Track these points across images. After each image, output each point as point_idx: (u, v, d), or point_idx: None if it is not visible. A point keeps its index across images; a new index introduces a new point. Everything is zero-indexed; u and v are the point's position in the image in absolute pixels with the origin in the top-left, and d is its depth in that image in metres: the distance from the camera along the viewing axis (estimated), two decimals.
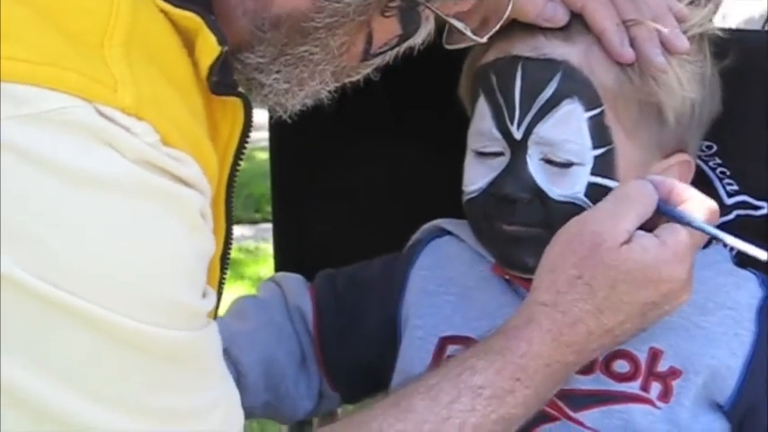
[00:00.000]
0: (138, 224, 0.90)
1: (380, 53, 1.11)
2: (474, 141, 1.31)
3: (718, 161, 1.37)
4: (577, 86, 1.25)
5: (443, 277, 1.38)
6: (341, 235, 1.56)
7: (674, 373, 1.28)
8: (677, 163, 1.31)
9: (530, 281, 1.25)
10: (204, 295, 0.99)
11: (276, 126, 1.60)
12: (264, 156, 1.67)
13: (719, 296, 1.31)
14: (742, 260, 1.34)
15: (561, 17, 1.27)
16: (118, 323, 0.89)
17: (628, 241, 1.18)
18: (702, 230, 1.19)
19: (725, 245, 1.23)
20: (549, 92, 1.26)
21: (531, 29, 1.27)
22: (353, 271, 1.45)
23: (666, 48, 1.26)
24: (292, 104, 1.11)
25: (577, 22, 1.27)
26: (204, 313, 0.98)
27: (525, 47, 1.27)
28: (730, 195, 1.40)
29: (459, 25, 1.13)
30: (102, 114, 0.89)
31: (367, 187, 1.55)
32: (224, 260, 1.11)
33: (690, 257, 1.19)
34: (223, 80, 1.01)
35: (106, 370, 0.91)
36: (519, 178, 1.27)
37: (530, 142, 1.26)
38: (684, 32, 1.27)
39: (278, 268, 1.59)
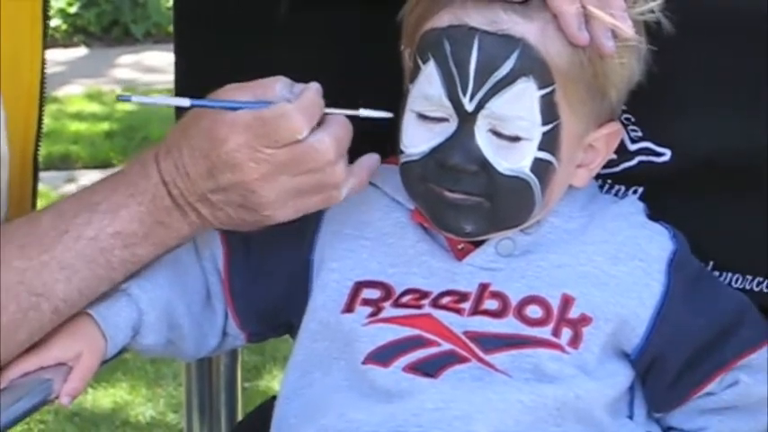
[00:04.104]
0: None
1: None
2: (418, 104, 1.30)
3: (624, 107, 1.39)
4: (533, 65, 1.26)
5: (359, 221, 1.38)
6: None
7: (584, 319, 1.31)
8: (609, 132, 1.35)
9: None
10: None
11: None
12: None
13: (631, 247, 1.34)
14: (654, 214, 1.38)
15: None
16: None
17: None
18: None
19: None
20: (505, 69, 1.25)
21: None
22: None
23: (614, 33, 1.27)
24: None
25: None
26: None
27: (482, 19, 1.26)
28: (634, 141, 1.43)
29: None
30: None
31: None
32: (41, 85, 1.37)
33: (237, 134, 1.24)
34: None
35: None
36: (466, 149, 1.27)
37: (480, 115, 1.27)
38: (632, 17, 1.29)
39: None
